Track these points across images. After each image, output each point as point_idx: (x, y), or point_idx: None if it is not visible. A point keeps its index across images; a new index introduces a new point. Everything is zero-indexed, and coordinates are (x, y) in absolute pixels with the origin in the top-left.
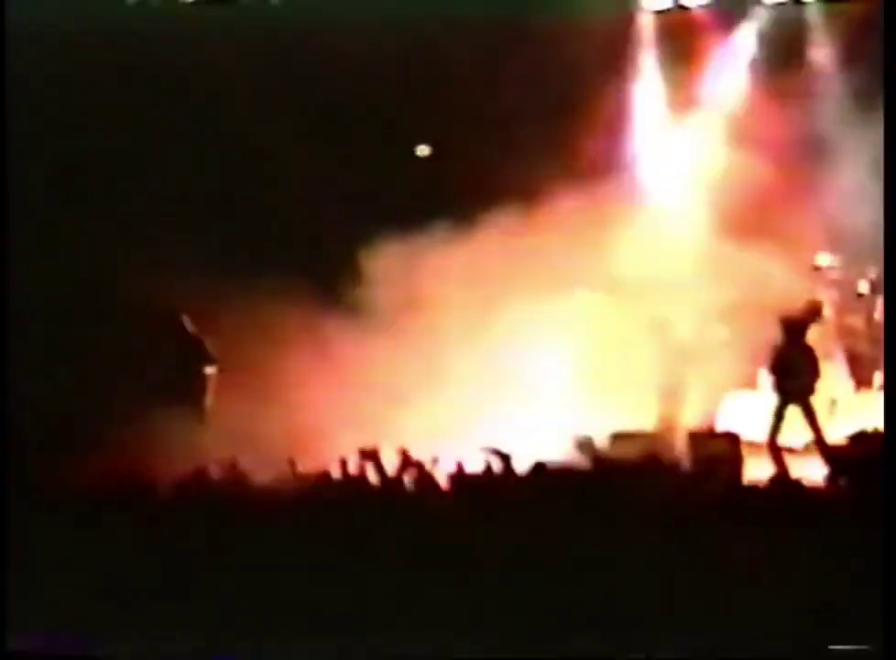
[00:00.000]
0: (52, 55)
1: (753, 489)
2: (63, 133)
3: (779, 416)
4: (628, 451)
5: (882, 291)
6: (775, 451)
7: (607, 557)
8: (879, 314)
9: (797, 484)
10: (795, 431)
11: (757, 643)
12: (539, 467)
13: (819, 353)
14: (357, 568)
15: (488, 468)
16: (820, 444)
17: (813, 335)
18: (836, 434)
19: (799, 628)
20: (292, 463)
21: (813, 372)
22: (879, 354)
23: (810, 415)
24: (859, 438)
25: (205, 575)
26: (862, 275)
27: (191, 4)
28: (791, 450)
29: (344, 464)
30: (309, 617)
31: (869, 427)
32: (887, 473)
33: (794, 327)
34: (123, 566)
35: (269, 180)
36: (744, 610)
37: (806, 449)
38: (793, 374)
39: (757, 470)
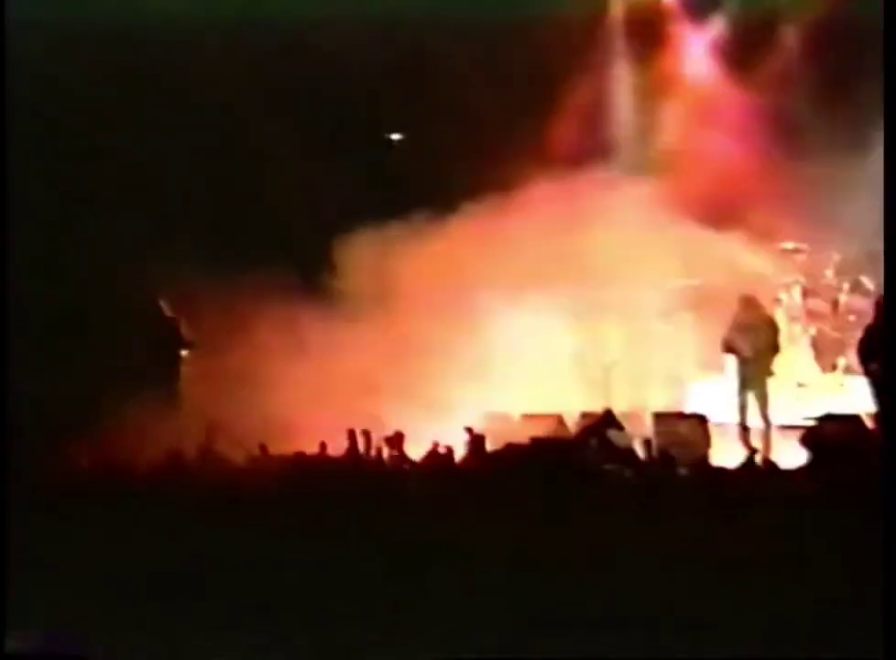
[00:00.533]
0: (51, 55)
1: (721, 470)
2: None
3: (743, 398)
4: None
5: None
6: (744, 432)
7: (580, 535)
8: (844, 297)
9: (767, 465)
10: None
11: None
12: (509, 447)
13: (783, 336)
14: (333, 550)
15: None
16: (767, 427)
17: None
18: (803, 416)
19: (774, 605)
20: (264, 447)
21: (768, 352)
22: (845, 338)
23: (763, 397)
24: (826, 420)
25: (182, 559)
26: (828, 260)
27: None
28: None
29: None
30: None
31: (835, 410)
32: (887, 473)
33: (753, 306)
34: (101, 555)
35: (248, 170)
36: (714, 591)
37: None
38: (754, 356)
39: (724, 452)
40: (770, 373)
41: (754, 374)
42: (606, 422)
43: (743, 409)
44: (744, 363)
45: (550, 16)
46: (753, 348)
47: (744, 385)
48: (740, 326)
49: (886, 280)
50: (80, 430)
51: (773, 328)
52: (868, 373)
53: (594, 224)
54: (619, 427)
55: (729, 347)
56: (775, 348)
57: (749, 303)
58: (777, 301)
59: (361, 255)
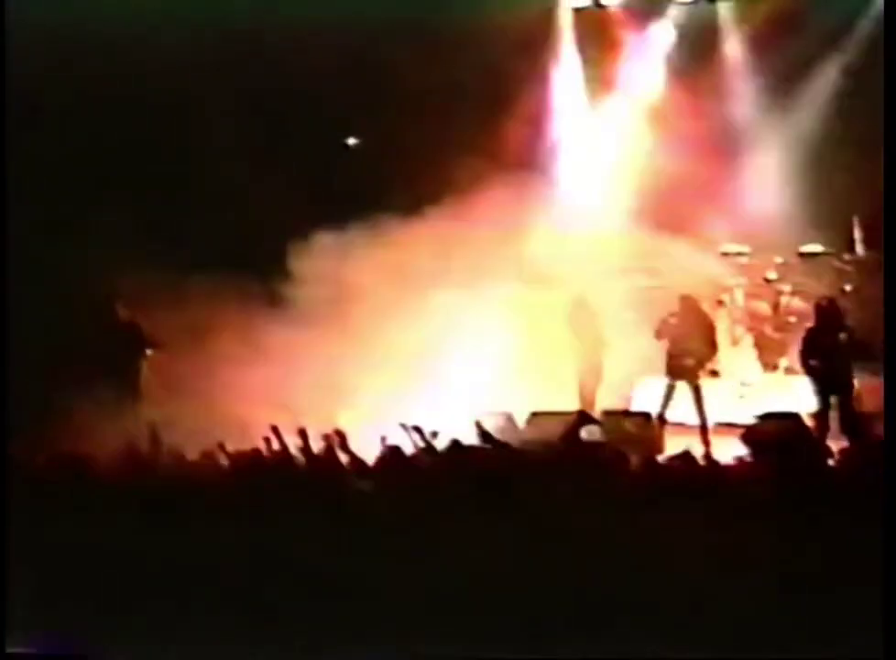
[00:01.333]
0: (51, 55)
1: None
2: None
3: (668, 395)
4: (548, 430)
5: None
6: (661, 427)
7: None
8: (785, 299)
9: (707, 460)
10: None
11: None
12: (456, 445)
13: (727, 338)
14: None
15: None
16: (703, 423)
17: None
18: (746, 414)
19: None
20: (222, 445)
21: (705, 352)
22: (786, 339)
23: (697, 395)
24: (768, 419)
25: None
26: (770, 262)
27: None
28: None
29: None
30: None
31: (776, 408)
32: (887, 473)
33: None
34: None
35: (203, 172)
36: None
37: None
38: (687, 354)
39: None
40: (706, 371)
41: (684, 371)
42: (581, 421)
43: (666, 401)
44: (672, 357)
45: (504, 22)
46: (684, 345)
47: (672, 378)
48: (673, 324)
49: (886, 281)
50: (38, 426)
51: (710, 328)
52: (809, 373)
53: (544, 226)
54: (595, 422)
55: (659, 336)
56: (712, 346)
57: (687, 302)
58: (720, 302)
59: (317, 259)
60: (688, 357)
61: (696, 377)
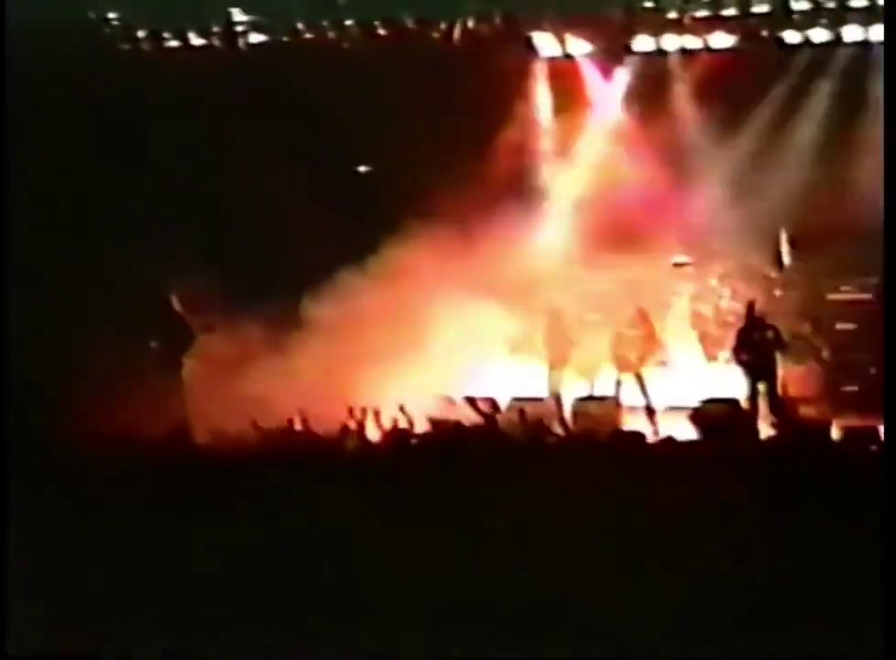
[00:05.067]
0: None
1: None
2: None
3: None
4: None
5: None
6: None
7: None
8: (725, 302)
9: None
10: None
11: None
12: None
13: (675, 334)
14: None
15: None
16: (649, 408)
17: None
18: (691, 399)
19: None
20: (255, 423)
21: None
22: (725, 335)
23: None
24: (709, 402)
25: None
26: (712, 270)
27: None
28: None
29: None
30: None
31: (718, 394)
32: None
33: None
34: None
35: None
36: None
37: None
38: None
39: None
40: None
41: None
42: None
43: (618, 385)
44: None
45: (487, 69)
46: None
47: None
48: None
49: (886, 280)
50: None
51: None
52: (740, 363)
53: (524, 244)
54: None
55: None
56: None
57: (640, 315)
58: (668, 305)
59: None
60: (632, 352)
61: (638, 368)
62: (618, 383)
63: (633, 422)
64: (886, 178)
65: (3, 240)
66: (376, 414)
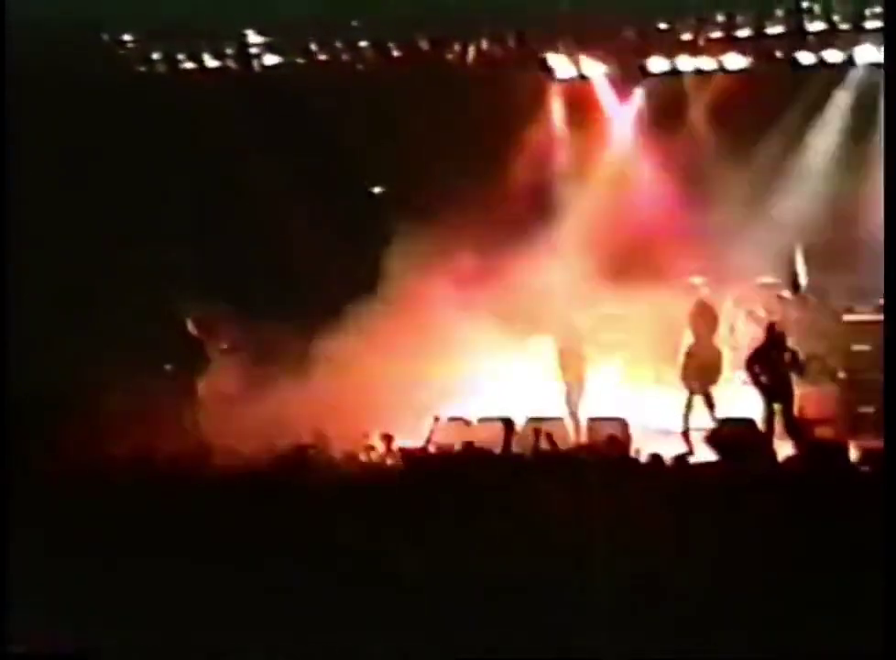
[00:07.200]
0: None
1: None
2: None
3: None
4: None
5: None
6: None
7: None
8: (741, 324)
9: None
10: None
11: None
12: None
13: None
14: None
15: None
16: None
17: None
18: (709, 420)
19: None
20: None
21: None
22: (741, 356)
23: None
24: (725, 423)
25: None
26: (727, 291)
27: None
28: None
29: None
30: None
31: (733, 414)
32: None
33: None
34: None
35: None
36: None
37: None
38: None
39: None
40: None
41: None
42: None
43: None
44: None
45: (505, 91)
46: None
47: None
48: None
49: (886, 281)
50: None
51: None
52: (756, 385)
53: (538, 265)
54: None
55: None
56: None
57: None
58: (684, 326)
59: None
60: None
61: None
62: (689, 406)
63: (646, 442)
64: (886, 178)
65: (9, 256)
66: (389, 438)
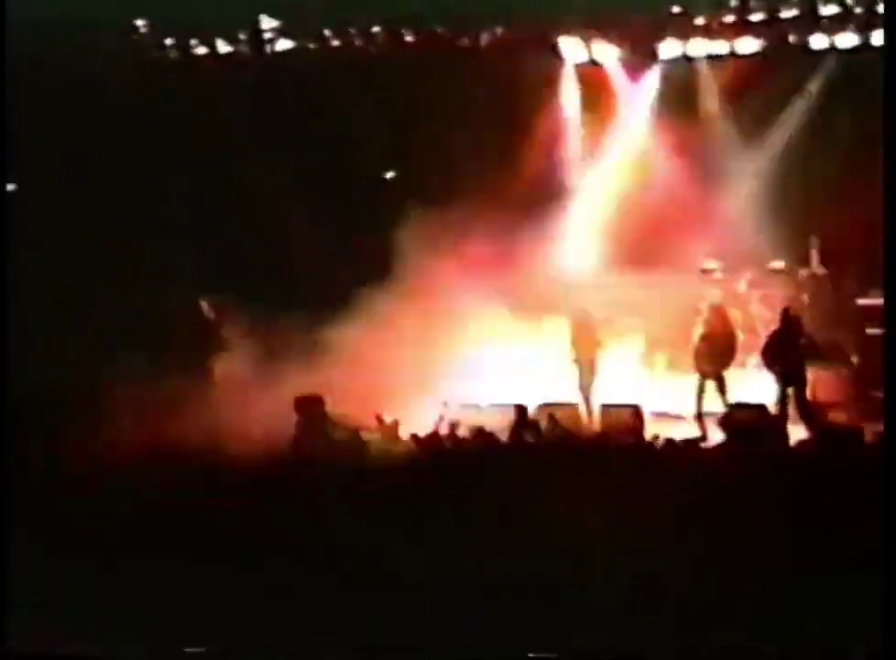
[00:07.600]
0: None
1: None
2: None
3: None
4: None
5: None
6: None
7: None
8: (754, 308)
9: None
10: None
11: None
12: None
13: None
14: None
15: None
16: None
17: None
18: (721, 404)
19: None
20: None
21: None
22: (754, 340)
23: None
24: (738, 408)
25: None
26: (741, 277)
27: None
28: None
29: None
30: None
31: (745, 399)
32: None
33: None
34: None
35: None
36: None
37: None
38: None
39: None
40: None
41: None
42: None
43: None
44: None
45: (517, 75)
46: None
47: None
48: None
49: (886, 281)
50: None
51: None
52: (770, 370)
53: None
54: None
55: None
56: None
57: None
58: (699, 310)
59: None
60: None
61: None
62: (701, 390)
63: (658, 427)
64: (886, 178)
65: (9, 256)
66: (396, 424)
